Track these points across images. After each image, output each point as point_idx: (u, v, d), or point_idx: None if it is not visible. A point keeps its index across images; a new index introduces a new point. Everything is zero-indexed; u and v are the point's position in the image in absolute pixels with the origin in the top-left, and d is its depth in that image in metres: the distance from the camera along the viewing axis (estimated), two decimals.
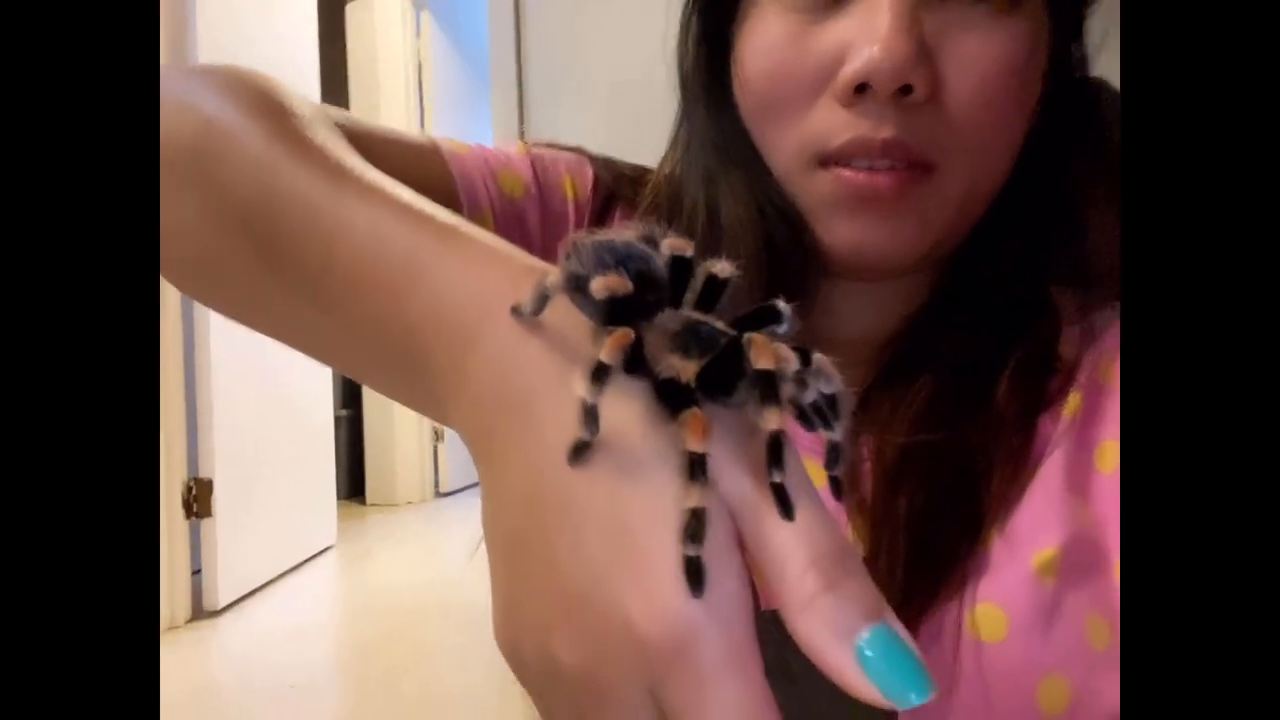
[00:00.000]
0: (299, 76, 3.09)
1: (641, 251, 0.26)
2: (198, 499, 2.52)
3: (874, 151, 0.40)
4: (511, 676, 0.26)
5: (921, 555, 0.40)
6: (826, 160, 0.42)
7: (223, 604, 2.54)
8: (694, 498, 0.21)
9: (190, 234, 0.37)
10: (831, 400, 0.25)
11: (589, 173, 0.54)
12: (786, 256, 0.44)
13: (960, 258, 0.47)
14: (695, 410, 0.22)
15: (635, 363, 0.24)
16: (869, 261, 0.43)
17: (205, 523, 2.53)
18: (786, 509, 0.22)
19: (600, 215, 0.52)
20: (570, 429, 0.23)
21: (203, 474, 2.53)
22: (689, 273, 0.27)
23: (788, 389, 0.23)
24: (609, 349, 0.23)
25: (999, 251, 0.46)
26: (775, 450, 0.22)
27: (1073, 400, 0.43)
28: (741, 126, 0.46)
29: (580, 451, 0.23)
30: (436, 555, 3.24)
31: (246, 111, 0.38)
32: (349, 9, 3.80)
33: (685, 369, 0.24)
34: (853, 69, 0.39)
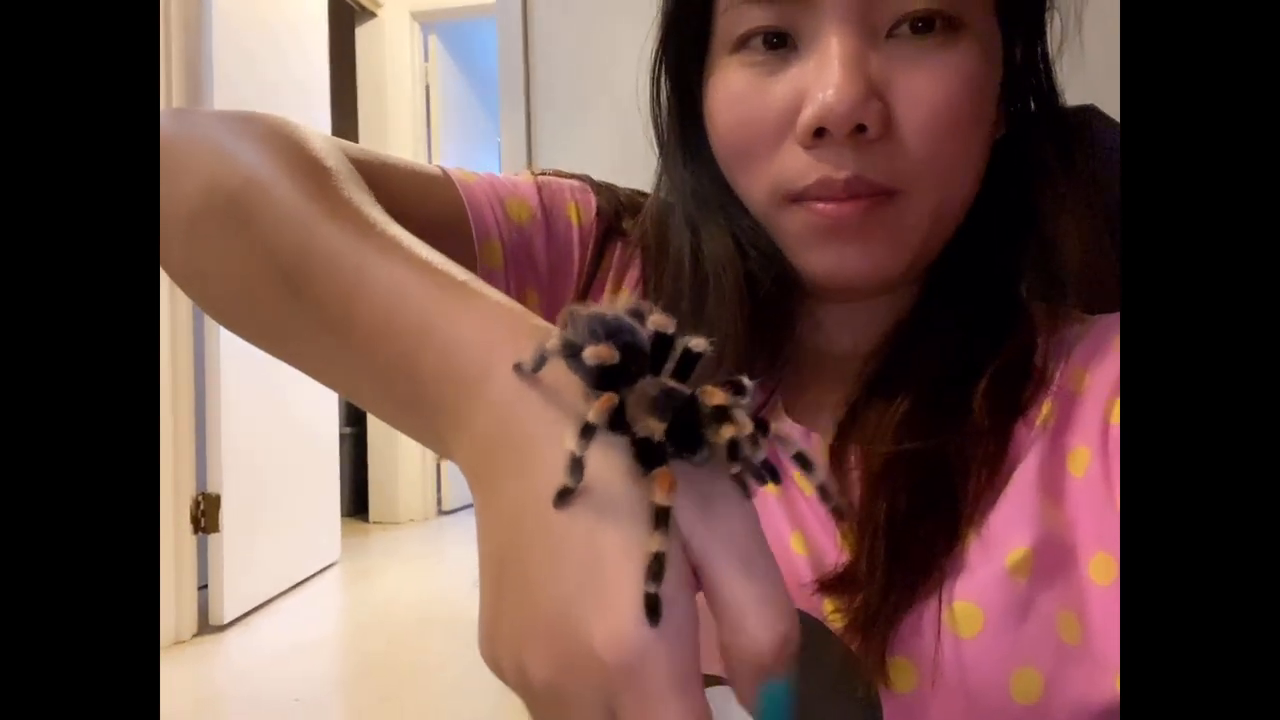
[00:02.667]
0: (309, 97, 3.14)
1: (629, 325, 0.30)
2: (206, 514, 2.55)
3: (838, 190, 0.43)
4: (512, 693, 0.29)
5: (900, 556, 0.42)
6: (796, 198, 0.45)
7: (228, 619, 2.56)
8: (657, 543, 0.25)
9: (228, 276, 0.41)
10: (801, 456, 0.29)
11: (592, 201, 0.56)
12: (767, 289, 0.47)
13: (937, 271, 0.49)
14: (665, 469, 0.26)
15: (617, 421, 0.28)
16: (846, 284, 0.46)
17: (213, 538, 2.55)
18: (750, 487, 0.28)
19: (602, 242, 0.55)
20: (556, 474, 0.27)
21: (211, 489, 2.56)
22: (670, 345, 0.31)
23: (744, 446, 0.27)
24: (596, 411, 0.27)
25: (974, 263, 0.49)
26: (733, 450, 0.27)
27: (1046, 408, 0.45)
28: (717, 173, 0.49)
29: (564, 496, 0.27)
30: (439, 572, 3.25)
31: (285, 168, 0.40)
32: (359, 31, 3.86)
33: (658, 429, 0.27)
34: (809, 115, 0.42)
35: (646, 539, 0.25)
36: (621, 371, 0.29)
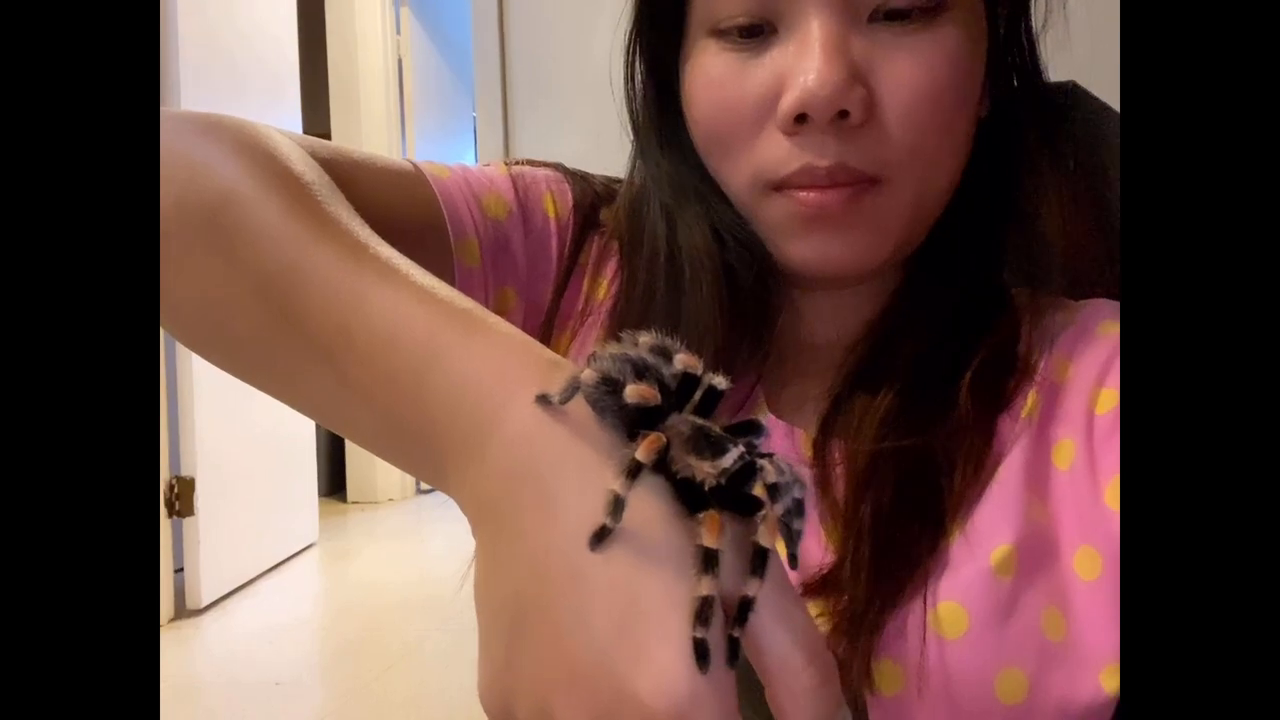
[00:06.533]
0: (278, 71, 3.07)
1: (656, 364, 0.30)
2: (180, 497, 2.52)
3: (820, 179, 0.42)
4: None
5: (885, 558, 0.41)
6: (778, 186, 0.44)
7: (205, 602, 2.54)
8: (706, 587, 0.25)
9: (204, 298, 0.38)
10: (799, 503, 0.29)
11: (569, 192, 0.55)
12: (747, 281, 0.46)
13: (920, 257, 0.48)
14: (712, 512, 0.26)
15: (657, 460, 0.27)
16: (829, 273, 0.45)
17: (187, 521, 2.53)
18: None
19: (580, 234, 0.54)
20: (586, 512, 0.26)
21: (184, 472, 2.53)
22: (694, 382, 0.30)
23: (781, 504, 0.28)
24: (646, 451, 0.26)
25: (956, 249, 0.48)
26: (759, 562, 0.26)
27: (1030, 400, 0.45)
28: (694, 160, 0.48)
29: (601, 537, 0.26)
30: (418, 552, 3.24)
31: (262, 181, 0.38)
32: (328, 5, 3.78)
33: (700, 468, 0.27)
34: (790, 101, 0.41)
35: (692, 583, 0.25)
36: (654, 410, 0.28)
